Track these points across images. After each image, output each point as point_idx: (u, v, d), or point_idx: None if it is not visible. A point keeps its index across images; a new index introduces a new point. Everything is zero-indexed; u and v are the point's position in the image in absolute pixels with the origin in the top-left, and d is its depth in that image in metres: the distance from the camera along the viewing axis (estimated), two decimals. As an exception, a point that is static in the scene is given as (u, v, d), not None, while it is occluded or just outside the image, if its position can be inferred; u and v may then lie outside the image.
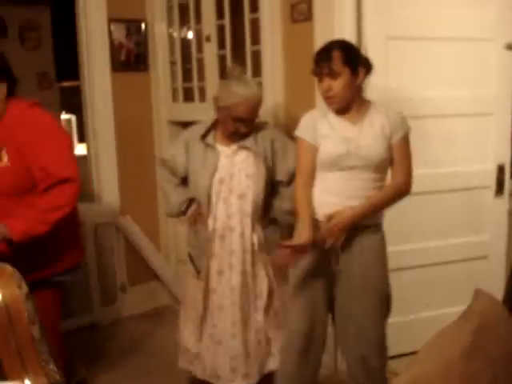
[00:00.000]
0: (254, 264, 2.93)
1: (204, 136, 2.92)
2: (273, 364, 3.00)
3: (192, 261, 3.01)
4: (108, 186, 4.28)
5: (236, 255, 2.90)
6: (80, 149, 7.26)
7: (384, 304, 2.60)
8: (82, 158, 6.45)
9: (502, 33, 3.34)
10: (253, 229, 2.91)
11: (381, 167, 2.53)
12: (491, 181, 3.44)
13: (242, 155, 2.91)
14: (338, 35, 3.08)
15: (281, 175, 2.96)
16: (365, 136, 2.50)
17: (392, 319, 2.71)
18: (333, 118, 2.55)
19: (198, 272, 2.97)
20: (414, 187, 2.62)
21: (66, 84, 6.69)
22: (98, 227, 4.16)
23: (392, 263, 2.70)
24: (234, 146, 2.91)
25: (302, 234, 2.45)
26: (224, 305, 2.93)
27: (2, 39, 5.92)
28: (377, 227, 2.59)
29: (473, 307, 1.78)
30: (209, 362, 2.98)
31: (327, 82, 2.46)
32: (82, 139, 7.30)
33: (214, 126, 2.96)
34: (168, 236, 4.50)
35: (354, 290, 2.56)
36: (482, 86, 3.35)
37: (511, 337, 1.70)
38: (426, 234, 3.32)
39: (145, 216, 4.41)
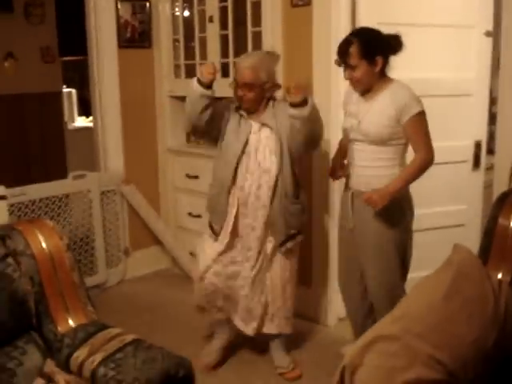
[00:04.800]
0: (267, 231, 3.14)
1: (238, 108, 3.12)
2: (271, 327, 3.25)
3: (211, 226, 3.21)
4: (113, 156, 4.56)
5: (258, 220, 3.10)
6: (80, 121, 7.52)
7: (382, 257, 2.94)
8: (85, 129, 6.77)
9: (483, 21, 3.67)
10: (271, 201, 3.08)
11: (381, 142, 2.82)
12: (469, 156, 3.78)
13: (266, 132, 3.08)
14: (334, 20, 3.40)
15: None
16: (369, 113, 2.83)
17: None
18: (355, 94, 2.94)
19: (217, 235, 3.17)
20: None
21: (66, 58, 6.86)
22: (103, 194, 4.45)
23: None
24: (257, 123, 3.09)
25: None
26: (237, 261, 3.16)
27: (9, 14, 6.06)
28: None
29: (452, 258, 2.12)
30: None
31: (348, 72, 2.83)
32: (82, 113, 7.55)
33: None
34: (168, 203, 4.78)
35: (359, 245, 3.01)
36: (463, 69, 3.68)
37: (484, 282, 2.04)
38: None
39: (147, 184, 4.69)
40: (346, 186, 3.09)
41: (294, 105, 2.91)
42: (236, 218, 3.12)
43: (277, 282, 3.19)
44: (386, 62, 2.83)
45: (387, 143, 2.83)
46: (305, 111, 2.91)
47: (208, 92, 2.99)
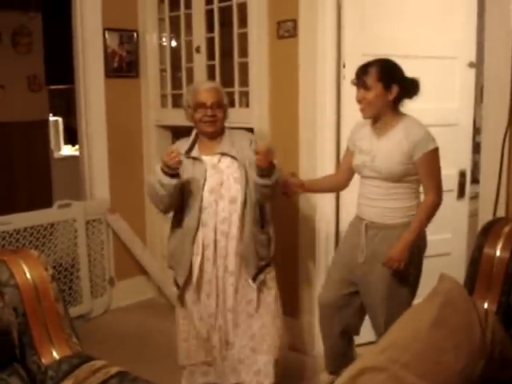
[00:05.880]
0: (242, 267, 2.99)
1: (189, 151, 3.01)
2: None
3: (176, 282, 3.08)
4: (99, 185, 4.55)
5: (230, 258, 2.96)
6: (66, 150, 7.51)
7: (395, 299, 2.83)
8: (70, 158, 6.77)
9: (466, 52, 3.73)
10: (241, 231, 2.94)
11: (395, 179, 2.77)
12: (454, 185, 3.80)
13: (227, 161, 2.97)
14: (320, 52, 3.44)
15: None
16: (382, 150, 2.79)
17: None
18: (367, 130, 2.91)
19: (178, 287, 3.05)
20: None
21: (53, 87, 6.88)
22: (89, 223, 4.42)
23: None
24: (217, 155, 2.98)
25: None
26: (214, 306, 3.00)
27: (-4, 43, 6.12)
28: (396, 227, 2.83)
29: (438, 288, 2.11)
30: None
31: (361, 92, 2.80)
32: (68, 141, 7.54)
33: (196, 139, 3.07)
34: (154, 232, 4.76)
35: (369, 283, 2.91)
36: (448, 99, 3.72)
37: (470, 312, 2.04)
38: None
39: (133, 214, 4.67)
40: (357, 216, 2.98)
41: (261, 170, 2.80)
42: (203, 265, 2.98)
43: (266, 319, 3.03)
44: (400, 97, 2.81)
45: (401, 180, 2.79)
46: (271, 180, 2.83)
47: (176, 180, 2.84)
